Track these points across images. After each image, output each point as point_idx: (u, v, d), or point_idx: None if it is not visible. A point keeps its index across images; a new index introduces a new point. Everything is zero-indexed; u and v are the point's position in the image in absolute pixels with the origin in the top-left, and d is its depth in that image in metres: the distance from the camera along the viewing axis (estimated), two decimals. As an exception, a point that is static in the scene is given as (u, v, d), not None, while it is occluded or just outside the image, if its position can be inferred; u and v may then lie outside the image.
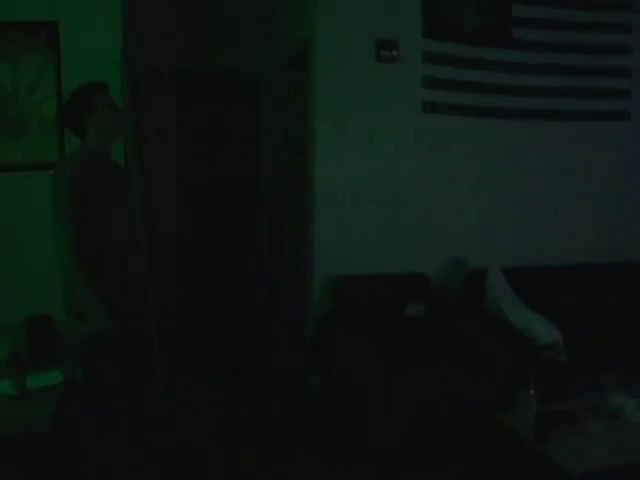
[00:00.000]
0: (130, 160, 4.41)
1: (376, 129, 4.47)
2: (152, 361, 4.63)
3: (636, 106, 5.16)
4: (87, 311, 2.93)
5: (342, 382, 3.90)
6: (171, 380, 4.71)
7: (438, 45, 4.59)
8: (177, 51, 5.96)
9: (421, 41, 4.56)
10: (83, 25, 4.30)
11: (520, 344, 3.81)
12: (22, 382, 2.44)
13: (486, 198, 4.80)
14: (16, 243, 4.18)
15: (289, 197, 5.53)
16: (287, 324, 5.56)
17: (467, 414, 3.45)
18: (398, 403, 3.50)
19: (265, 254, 6.51)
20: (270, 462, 3.74)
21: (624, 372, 3.43)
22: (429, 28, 4.57)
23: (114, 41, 4.38)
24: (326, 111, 4.41)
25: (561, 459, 2.81)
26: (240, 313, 6.29)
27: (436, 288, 4.55)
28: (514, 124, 4.81)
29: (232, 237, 6.46)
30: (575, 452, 2.89)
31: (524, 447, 2.97)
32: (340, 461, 3.71)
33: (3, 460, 2.36)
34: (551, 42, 4.87)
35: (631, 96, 5.15)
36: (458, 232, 4.72)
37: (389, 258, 4.55)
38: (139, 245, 3.61)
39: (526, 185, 4.93)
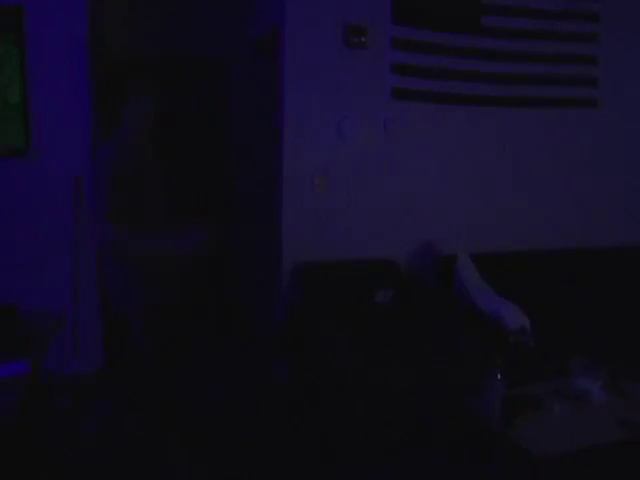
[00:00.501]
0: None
1: (345, 115, 4.45)
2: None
3: (603, 93, 5.20)
4: None
5: (311, 370, 3.89)
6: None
7: (408, 31, 4.57)
8: (144, 38, 5.87)
9: (391, 27, 4.54)
10: (48, 9, 4.23)
11: (488, 330, 3.83)
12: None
13: (456, 184, 4.81)
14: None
15: (258, 184, 5.50)
16: (257, 312, 5.54)
17: (436, 399, 3.46)
18: (367, 389, 3.50)
19: (235, 242, 6.46)
20: (242, 453, 3.75)
21: (590, 356, 3.46)
22: (399, 14, 4.55)
23: (80, 25, 4.34)
24: (295, 97, 4.38)
25: (527, 442, 2.84)
26: (210, 304, 6.24)
27: (406, 275, 4.56)
28: (483, 110, 4.82)
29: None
30: (541, 435, 2.92)
31: (491, 431, 2.98)
32: (310, 450, 3.72)
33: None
34: (520, 29, 4.89)
35: (598, 84, 5.19)
36: (428, 218, 4.72)
37: (359, 245, 4.54)
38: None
39: (496, 171, 4.96)
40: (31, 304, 3.99)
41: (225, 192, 6.39)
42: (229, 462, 3.62)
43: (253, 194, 5.75)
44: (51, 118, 4.28)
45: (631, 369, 3.43)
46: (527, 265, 4.73)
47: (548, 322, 4.02)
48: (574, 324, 4.15)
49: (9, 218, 4.26)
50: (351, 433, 3.47)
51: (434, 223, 4.74)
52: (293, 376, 4.32)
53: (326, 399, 3.68)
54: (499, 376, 3.06)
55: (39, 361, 3.65)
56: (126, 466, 3.43)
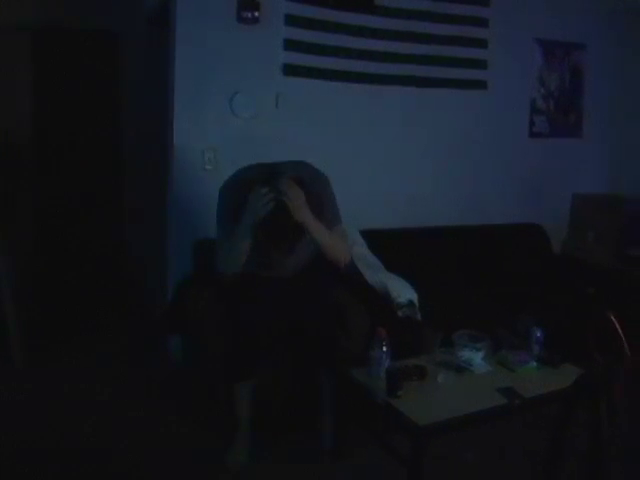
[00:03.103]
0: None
1: (236, 91, 4.40)
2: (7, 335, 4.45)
3: (491, 76, 5.34)
4: None
5: (200, 345, 3.85)
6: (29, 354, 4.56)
7: (301, 8, 4.53)
8: (30, 8, 5.65)
9: (284, 3, 4.50)
10: None
11: (376, 304, 3.87)
12: None
13: (347, 161, 4.83)
14: None
15: (149, 160, 5.40)
16: (148, 290, 5.46)
17: (323, 371, 3.48)
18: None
19: (126, 219, 6.34)
20: (137, 425, 3.71)
21: (474, 329, 3.56)
22: (292, -9, 4.54)
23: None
24: (186, 72, 4.28)
25: (410, 412, 2.90)
26: (102, 281, 6.11)
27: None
28: (374, 89, 4.85)
29: (92, 204, 6.24)
30: (424, 405, 3.00)
31: (376, 402, 3.02)
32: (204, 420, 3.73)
33: None
34: (412, 10, 4.93)
35: (487, 66, 5.33)
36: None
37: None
38: None
39: (386, 149, 5.01)
40: None
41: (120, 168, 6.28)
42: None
43: (146, 169, 5.65)
44: None
45: (510, 340, 3.55)
46: (416, 241, 4.82)
47: (435, 296, 4.11)
48: (459, 298, 4.27)
49: None
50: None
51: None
52: (185, 349, 4.29)
53: (214, 378, 3.66)
54: (385, 348, 3.12)
55: None
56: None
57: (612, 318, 2.21)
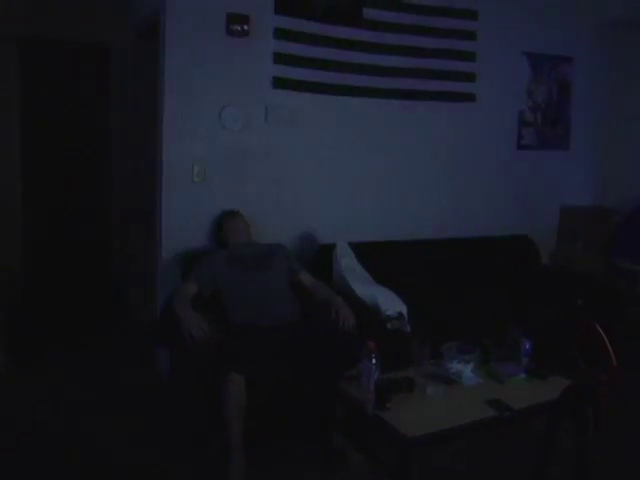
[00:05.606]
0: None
1: (226, 104, 4.41)
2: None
3: (480, 88, 5.38)
4: None
5: (188, 358, 3.84)
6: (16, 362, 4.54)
7: (290, 21, 4.57)
8: (21, 20, 5.67)
9: (273, 17, 4.53)
10: None
11: (365, 316, 3.87)
12: None
13: (336, 174, 4.86)
14: None
15: (140, 172, 5.40)
16: (139, 301, 5.45)
17: (312, 384, 3.47)
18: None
19: (116, 231, 6.33)
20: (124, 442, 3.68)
21: (462, 340, 3.57)
22: (281, 4, 4.54)
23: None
24: (175, 84, 4.29)
25: (399, 424, 2.89)
26: (92, 291, 6.09)
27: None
28: (363, 102, 4.88)
29: (82, 214, 6.23)
30: (413, 417, 2.99)
31: (366, 414, 3.02)
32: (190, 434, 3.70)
33: None
34: (401, 24, 4.97)
35: (475, 79, 5.37)
36: (309, 208, 4.74)
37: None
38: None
39: (375, 162, 5.03)
40: None
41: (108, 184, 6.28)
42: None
43: (135, 182, 5.65)
44: None
45: (498, 351, 3.56)
46: (406, 254, 4.84)
47: (424, 309, 4.12)
48: (448, 310, 4.28)
49: None
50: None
51: (314, 212, 4.77)
52: (173, 362, 4.28)
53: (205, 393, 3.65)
54: (374, 361, 3.11)
55: None
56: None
57: (598, 328, 2.22)
